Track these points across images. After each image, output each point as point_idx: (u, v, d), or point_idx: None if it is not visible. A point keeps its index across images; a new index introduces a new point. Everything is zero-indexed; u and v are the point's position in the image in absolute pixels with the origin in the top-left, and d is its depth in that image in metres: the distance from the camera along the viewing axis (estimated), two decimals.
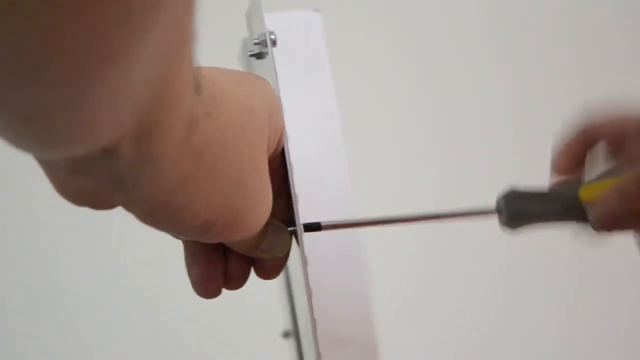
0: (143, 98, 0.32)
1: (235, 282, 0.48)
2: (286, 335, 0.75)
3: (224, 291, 0.49)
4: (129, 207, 0.38)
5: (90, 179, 0.36)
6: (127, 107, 0.31)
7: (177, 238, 0.46)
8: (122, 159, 0.34)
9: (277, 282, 0.74)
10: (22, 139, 0.30)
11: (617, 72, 1.52)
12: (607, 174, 0.52)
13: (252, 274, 0.49)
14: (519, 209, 0.50)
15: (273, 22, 0.46)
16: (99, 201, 0.38)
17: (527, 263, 1.43)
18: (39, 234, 1.46)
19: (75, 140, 0.30)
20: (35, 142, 0.30)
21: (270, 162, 0.45)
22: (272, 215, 0.47)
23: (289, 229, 0.48)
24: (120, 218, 0.44)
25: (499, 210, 0.51)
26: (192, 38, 0.33)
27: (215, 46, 0.37)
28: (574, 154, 0.55)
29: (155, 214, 0.38)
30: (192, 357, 1.47)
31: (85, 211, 0.39)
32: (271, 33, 0.47)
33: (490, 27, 1.54)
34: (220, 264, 0.47)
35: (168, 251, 0.50)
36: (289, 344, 0.73)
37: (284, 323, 0.76)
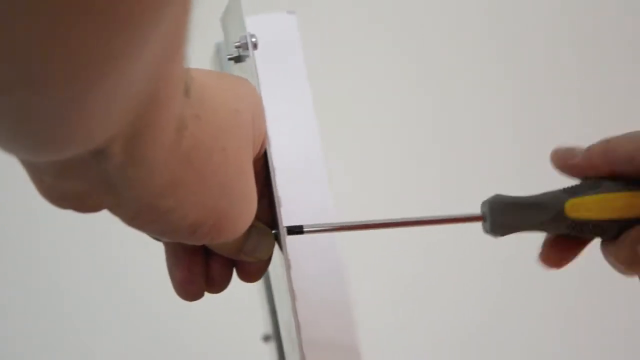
0: (137, 100, 0.32)
1: (217, 285, 0.48)
2: (266, 339, 0.74)
3: (208, 295, 0.49)
4: (116, 210, 0.38)
5: (78, 182, 0.36)
6: (121, 109, 0.31)
7: (159, 240, 0.46)
8: (112, 161, 0.34)
9: (257, 286, 0.74)
10: (12, 142, 0.30)
11: (617, 72, 1.51)
12: (591, 184, 0.51)
13: (235, 277, 0.49)
14: (502, 219, 0.50)
15: (248, 24, 0.46)
16: (85, 204, 0.38)
17: (516, 266, 1.43)
18: (39, 234, 1.47)
19: (69, 142, 0.30)
20: (27, 145, 0.30)
21: (253, 164, 0.45)
22: (256, 217, 0.47)
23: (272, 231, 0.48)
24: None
25: (483, 217, 0.51)
26: (185, 41, 0.33)
27: (188, 50, 0.37)
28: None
29: (142, 216, 0.38)
30: (187, 358, 1.47)
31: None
32: (252, 36, 0.47)
33: (490, 27, 1.54)
34: (202, 267, 0.47)
35: (152, 255, 0.50)
36: (269, 348, 0.73)
37: (265, 327, 0.76)
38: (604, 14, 1.52)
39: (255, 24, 0.46)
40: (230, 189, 0.41)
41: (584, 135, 0.55)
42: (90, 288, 1.47)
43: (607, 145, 0.52)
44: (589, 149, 0.52)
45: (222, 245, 0.46)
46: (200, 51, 0.58)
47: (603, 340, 1.47)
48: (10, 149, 0.30)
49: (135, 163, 0.35)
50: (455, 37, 1.53)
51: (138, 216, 0.38)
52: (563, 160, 0.53)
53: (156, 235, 0.42)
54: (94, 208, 0.38)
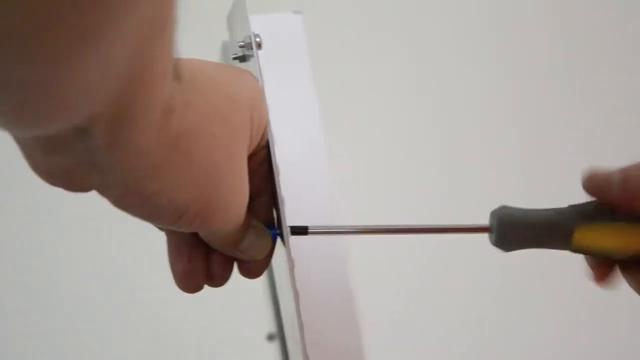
0: (118, 79, 0.32)
1: (217, 279, 0.48)
2: (271, 338, 0.74)
3: (212, 294, 0.49)
4: (103, 191, 0.38)
5: (65, 159, 0.36)
6: (102, 87, 0.31)
7: (161, 230, 0.46)
8: (96, 141, 0.34)
9: (262, 285, 0.74)
10: None
11: (618, 72, 1.51)
12: (602, 214, 0.50)
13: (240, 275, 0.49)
14: (509, 238, 0.50)
15: (253, 24, 0.46)
16: (73, 182, 0.38)
17: (523, 269, 1.43)
18: (39, 234, 1.47)
19: (48, 116, 0.30)
20: (8, 117, 0.30)
21: (252, 156, 0.45)
22: (254, 215, 0.47)
23: (270, 231, 0.48)
24: (120, 218, 0.44)
25: (490, 229, 0.50)
26: (173, 26, 0.33)
27: (194, 48, 0.38)
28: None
29: (127, 198, 0.38)
30: (190, 357, 1.47)
31: (86, 211, 0.39)
32: (256, 36, 0.47)
33: (490, 28, 1.54)
34: (202, 261, 0.47)
35: (156, 253, 0.50)
36: (273, 347, 0.73)
37: (269, 326, 0.76)
38: (604, 13, 1.52)
39: (261, 24, 0.46)
40: (218, 177, 0.41)
41: (589, 134, 0.55)
42: (90, 288, 1.47)
43: None
44: (626, 179, 0.50)
45: (219, 241, 0.46)
46: (207, 50, 0.58)
47: (607, 342, 1.47)
48: None
49: (120, 144, 0.35)
50: (461, 38, 1.53)
51: (124, 198, 0.38)
52: (599, 193, 0.50)
53: (143, 218, 0.42)
54: (82, 187, 0.38)
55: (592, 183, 0.51)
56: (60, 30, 0.26)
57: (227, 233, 0.45)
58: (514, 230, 0.49)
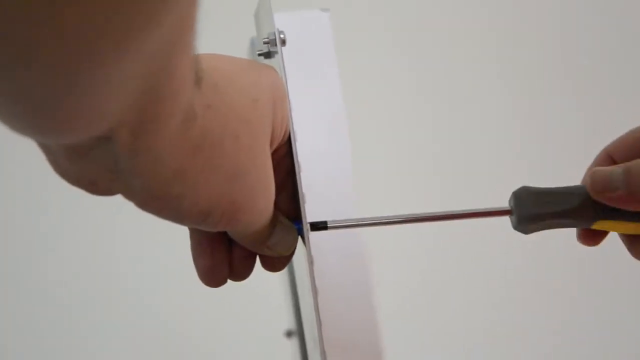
0: (142, 90, 0.32)
1: (240, 274, 0.49)
2: (289, 334, 0.74)
3: (231, 290, 0.49)
4: (128, 195, 0.39)
5: (89, 166, 0.36)
6: (125, 98, 0.31)
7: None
8: (120, 148, 0.34)
9: (281, 281, 0.74)
10: (19, 123, 0.30)
11: (619, 71, 1.52)
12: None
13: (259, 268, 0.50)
14: (529, 213, 0.49)
15: (281, 21, 0.47)
16: (98, 188, 0.38)
17: (533, 264, 1.43)
18: (39, 234, 1.46)
19: (71, 126, 0.31)
20: (32, 126, 0.31)
21: (274, 152, 0.45)
22: (280, 212, 0.47)
23: (295, 226, 0.48)
24: (120, 218, 0.44)
25: (511, 211, 0.50)
26: (194, 33, 0.33)
27: (223, 44, 0.38)
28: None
29: (152, 203, 0.39)
30: (195, 357, 1.47)
31: (86, 212, 0.39)
32: (281, 32, 0.47)
33: (505, 29, 1.55)
34: (225, 256, 0.48)
35: (168, 251, 0.50)
36: (292, 344, 0.73)
37: (288, 322, 0.76)
38: (605, 13, 1.53)
39: (288, 21, 0.47)
40: (242, 177, 0.41)
41: (599, 130, 0.55)
42: (90, 288, 1.46)
43: None
44: (629, 173, 0.49)
45: (247, 238, 0.47)
46: (236, 45, 0.58)
47: (605, 345, 1.47)
48: (18, 129, 0.31)
49: (143, 151, 0.35)
50: (466, 38, 1.53)
51: (148, 202, 0.39)
52: (602, 193, 0.50)
53: (170, 220, 0.42)
54: (106, 192, 0.39)
55: (595, 182, 0.50)
56: (93, 39, 0.26)
57: (255, 231, 0.45)
58: (533, 208, 0.49)
